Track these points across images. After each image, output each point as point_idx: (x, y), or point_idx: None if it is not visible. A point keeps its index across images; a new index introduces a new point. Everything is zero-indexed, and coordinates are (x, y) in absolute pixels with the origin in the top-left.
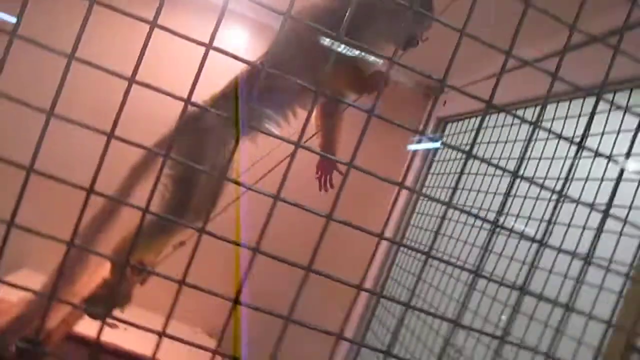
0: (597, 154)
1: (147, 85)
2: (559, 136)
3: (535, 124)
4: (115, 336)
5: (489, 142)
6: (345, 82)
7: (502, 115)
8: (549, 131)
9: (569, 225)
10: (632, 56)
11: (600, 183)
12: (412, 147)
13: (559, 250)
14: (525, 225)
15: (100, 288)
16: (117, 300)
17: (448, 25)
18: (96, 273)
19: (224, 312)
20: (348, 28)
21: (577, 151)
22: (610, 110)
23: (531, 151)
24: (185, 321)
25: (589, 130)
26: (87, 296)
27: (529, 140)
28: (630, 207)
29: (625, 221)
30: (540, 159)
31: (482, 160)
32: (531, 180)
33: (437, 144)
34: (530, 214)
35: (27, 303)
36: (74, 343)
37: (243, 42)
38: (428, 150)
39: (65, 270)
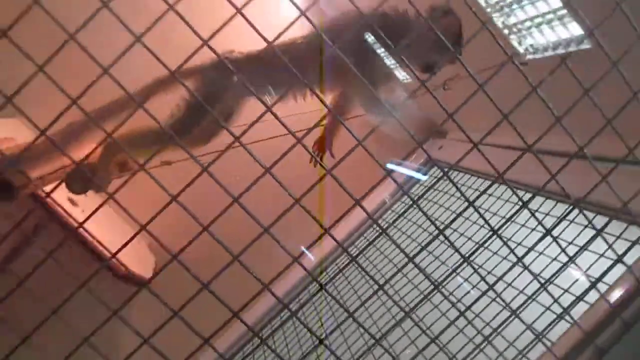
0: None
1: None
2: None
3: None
4: (73, 212)
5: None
6: (359, 95)
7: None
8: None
9: None
10: None
11: None
12: (393, 166)
13: None
14: None
15: (84, 166)
16: (95, 183)
17: (467, 70)
18: (82, 151)
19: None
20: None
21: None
22: None
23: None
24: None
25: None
26: (70, 170)
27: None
28: None
29: None
30: None
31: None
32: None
33: (420, 175)
34: None
35: (19, 147)
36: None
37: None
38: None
39: (68, 133)
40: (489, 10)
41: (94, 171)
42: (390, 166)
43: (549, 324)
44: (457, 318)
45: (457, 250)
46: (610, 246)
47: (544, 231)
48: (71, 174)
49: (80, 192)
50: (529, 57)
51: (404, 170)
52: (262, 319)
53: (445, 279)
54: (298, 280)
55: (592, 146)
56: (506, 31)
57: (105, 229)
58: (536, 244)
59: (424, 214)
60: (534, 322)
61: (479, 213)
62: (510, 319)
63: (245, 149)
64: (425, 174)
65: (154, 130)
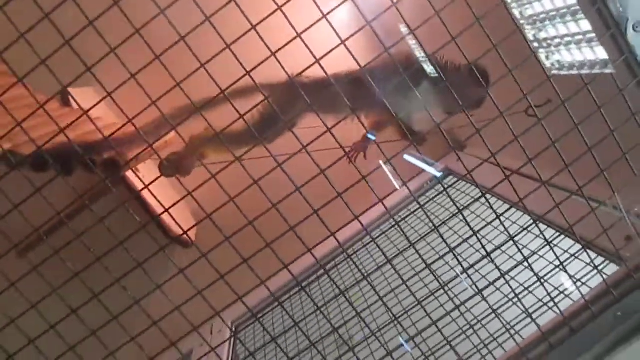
0: None
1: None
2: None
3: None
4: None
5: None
6: (394, 126)
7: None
8: None
9: None
10: None
11: None
12: (410, 158)
13: None
14: None
15: (174, 154)
16: (181, 169)
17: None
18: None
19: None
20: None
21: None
22: None
23: None
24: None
25: None
26: (164, 159)
27: None
28: None
29: None
30: None
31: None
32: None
33: (436, 172)
34: None
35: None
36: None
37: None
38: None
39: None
40: (522, 22)
41: (181, 160)
42: (407, 157)
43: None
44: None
45: (444, 241)
46: (558, 258)
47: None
48: (164, 162)
49: (171, 176)
50: (554, 72)
51: (418, 163)
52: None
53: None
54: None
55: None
56: (536, 44)
57: (160, 195)
58: (502, 244)
59: (425, 212)
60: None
61: (466, 222)
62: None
63: (310, 156)
64: (439, 176)
65: (233, 132)
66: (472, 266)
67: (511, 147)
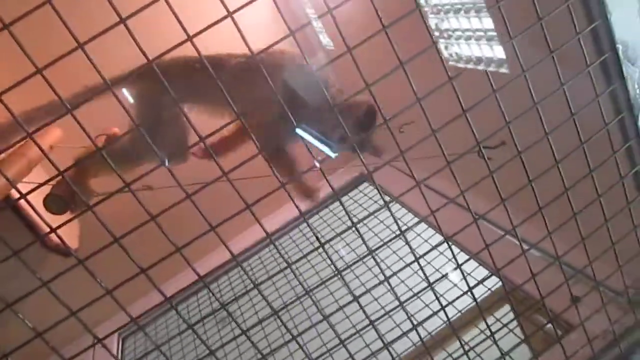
0: None
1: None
2: None
3: None
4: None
5: None
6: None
7: None
8: None
9: None
10: None
11: None
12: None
13: None
14: None
15: (58, 186)
16: (73, 202)
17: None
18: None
19: None
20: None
21: None
22: None
23: None
24: None
25: None
26: (47, 196)
27: None
28: None
29: None
30: None
31: None
32: None
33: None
34: None
35: None
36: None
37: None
38: None
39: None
40: (426, 9)
41: (70, 191)
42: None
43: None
44: None
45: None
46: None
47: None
48: (48, 198)
49: (60, 213)
50: (451, 63)
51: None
52: None
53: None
54: None
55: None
56: (437, 33)
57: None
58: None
59: (345, 209)
60: None
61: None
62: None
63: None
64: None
65: (119, 149)
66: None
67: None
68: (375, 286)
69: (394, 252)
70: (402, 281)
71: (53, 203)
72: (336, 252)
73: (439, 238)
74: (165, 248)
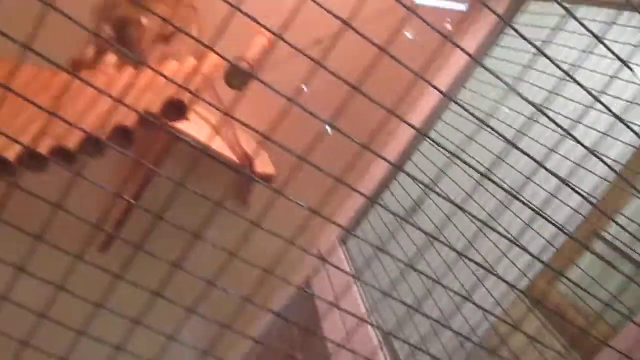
0: None
1: None
2: None
3: None
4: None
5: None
6: None
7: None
8: None
9: None
10: None
11: None
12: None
13: None
14: None
15: (242, 62)
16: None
17: None
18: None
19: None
20: None
21: None
22: None
23: None
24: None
25: None
26: (229, 68)
27: None
28: None
29: None
30: None
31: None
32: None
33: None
34: None
35: None
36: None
37: None
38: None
39: None
40: None
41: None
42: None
43: None
44: None
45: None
46: None
47: None
48: (231, 70)
49: (240, 87)
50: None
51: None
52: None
53: None
54: None
55: None
56: None
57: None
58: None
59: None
60: None
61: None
62: None
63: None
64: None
65: None
66: None
67: None
68: None
69: None
70: None
71: (234, 77)
72: None
73: None
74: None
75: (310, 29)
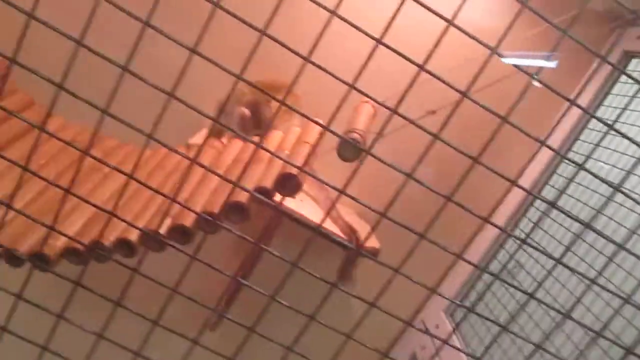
0: None
1: None
2: None
3: None
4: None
5: None
6: None
7: None
8: None
9: None
10: None
11: None
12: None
13: None
14: None
15: (354, 133)
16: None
17: None
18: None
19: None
20: None
21: None
22: None
23: None
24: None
25: None
26: (342, 140)
27: None
28: None
29: None
30: None
31: None
32: None
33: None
34: None
35: None
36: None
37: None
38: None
39: None
40: None
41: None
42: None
43: None
44: None
45: None
46: None
47: None
48: (343, 142)
49: (353, 159)
50: None
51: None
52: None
53: None
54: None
55: None
56: None
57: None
58: None
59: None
60: None
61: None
62: None
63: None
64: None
65: None
66: None
67: None
68: None
69: None
70: None
71: (346, 149)
72: None
73: None
74: None
75: (422, 96)
